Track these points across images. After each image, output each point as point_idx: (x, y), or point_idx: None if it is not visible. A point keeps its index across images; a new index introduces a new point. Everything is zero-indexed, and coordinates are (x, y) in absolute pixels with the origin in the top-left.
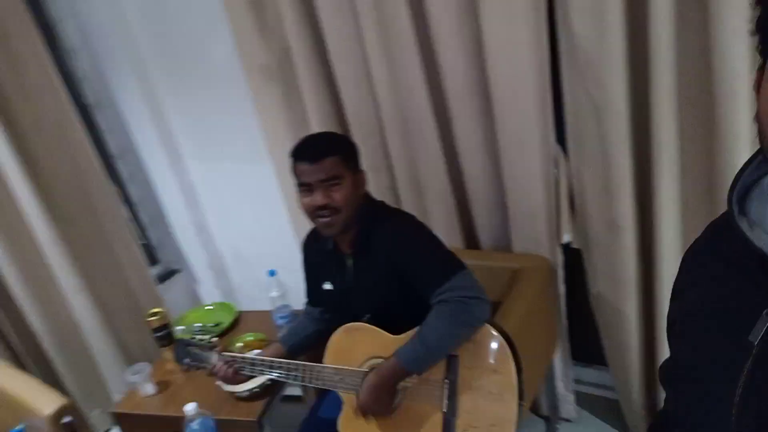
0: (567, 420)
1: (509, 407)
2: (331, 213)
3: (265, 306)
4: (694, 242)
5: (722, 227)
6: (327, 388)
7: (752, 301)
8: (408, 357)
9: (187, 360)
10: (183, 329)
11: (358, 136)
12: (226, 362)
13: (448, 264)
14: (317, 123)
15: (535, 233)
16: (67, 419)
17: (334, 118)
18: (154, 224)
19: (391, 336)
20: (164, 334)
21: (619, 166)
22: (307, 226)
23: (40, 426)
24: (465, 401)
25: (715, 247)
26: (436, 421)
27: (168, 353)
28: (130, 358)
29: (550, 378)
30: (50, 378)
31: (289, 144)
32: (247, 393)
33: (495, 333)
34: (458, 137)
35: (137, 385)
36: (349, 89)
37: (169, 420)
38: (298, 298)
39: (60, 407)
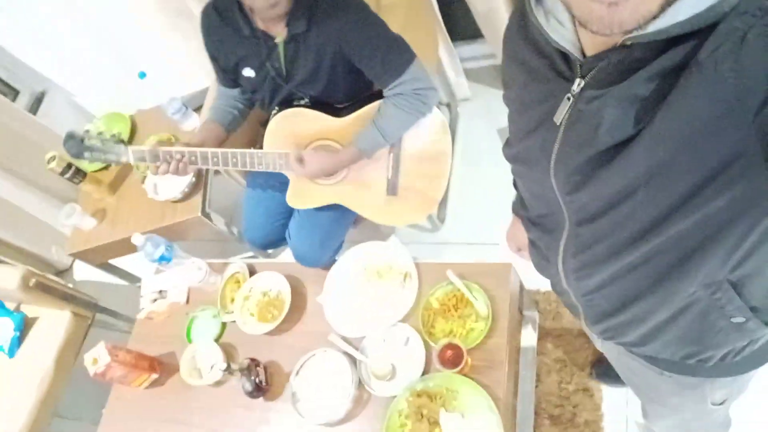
0: (465, 99)
1: (445, 165)
2: None
3: (154, 102)
4: (508, 23)
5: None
6: (271, 170)
7: (557, 87)
8: (367, 145)
9: (87, 155)
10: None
11: None
12: (173, 158)
13: (403, 55)
14: None
15: None
16: (33, 281)
17: None
18: None
19: (335, 119)
20: (73, 173)
21: None
22: (152, 5)
23: (16, 296)
24: (407, 165)
25: (527, 32)
26: (381, 183)
27: (87, 185)
28: (62, 196)
29: (441, 71)
30: None
31: None
32: (180, 195)
33: (436, 110)
34: None
35: (77, 224)
36: None
37: (122, 242)
38: (180, 83)
39: (22, 275)
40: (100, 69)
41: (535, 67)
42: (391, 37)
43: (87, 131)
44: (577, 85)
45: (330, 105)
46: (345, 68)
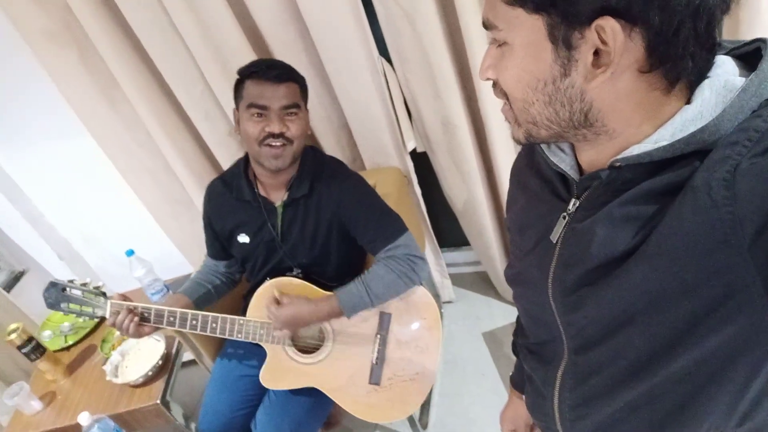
0: (449, 302)
1: (433, 359)
2: (284, 143)
3: (134, 284)
4: (518, 155)
5: None
6: (249, 340)
7: (554, 207)
8: (349, 301)
9: (64, 305)
10: (50, 334)
11: (177, 85)
12: (130, 311)
13: (396, 224)
14: (127, 82)
15: (382, 146)
16: None
17: (144, 72)
18: None
19: (327, 293)
20: (32, 348)
21: (441, 67)
22: (153, 192)
23: None
24: (393, 352)
25: (532, 160)
26: (364, 369)
27: (43, 363)
28: (5, 379)
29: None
30: None
31: (105, 111)
32: (141, 379)
33: (428, 293)
34: None
35: (20, 406)
36: (152, 36)
37: (67, 430)
38: (165, 267)
39: None
40: (86, 248)
41: (534, 190)
42: (385, 207)
43: (72, 280)
44: (573, 204)
45: (319, 281)
46: (339, 235)
